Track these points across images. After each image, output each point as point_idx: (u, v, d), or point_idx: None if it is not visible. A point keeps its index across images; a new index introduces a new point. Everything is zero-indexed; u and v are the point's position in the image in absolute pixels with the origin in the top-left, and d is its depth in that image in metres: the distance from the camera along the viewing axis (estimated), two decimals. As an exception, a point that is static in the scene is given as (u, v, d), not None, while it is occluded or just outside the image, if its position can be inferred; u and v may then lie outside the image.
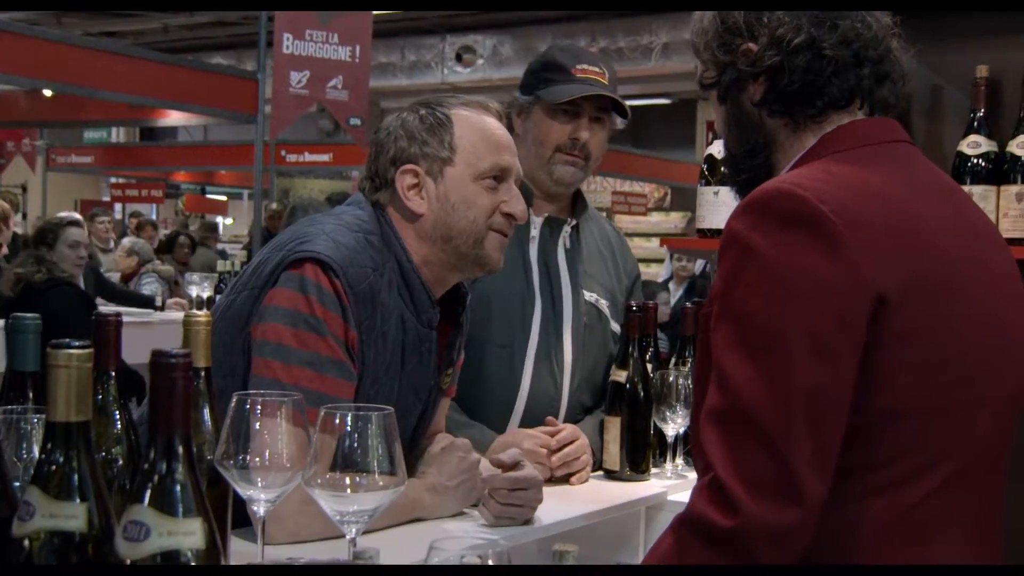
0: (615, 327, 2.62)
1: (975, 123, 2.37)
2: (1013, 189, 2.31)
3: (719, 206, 2.60)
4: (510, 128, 2.58)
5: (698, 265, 9.03)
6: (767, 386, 1.33)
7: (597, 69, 2.51)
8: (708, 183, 2.62)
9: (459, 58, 14.51)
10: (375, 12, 8.00)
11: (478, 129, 1.98)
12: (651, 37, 13.57)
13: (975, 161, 2.35)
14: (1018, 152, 2.31)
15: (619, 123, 2.61)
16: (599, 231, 2.71)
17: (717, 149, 2.65)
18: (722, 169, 2.63)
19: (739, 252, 1.38)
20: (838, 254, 1.33)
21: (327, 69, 7.39)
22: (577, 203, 2.64)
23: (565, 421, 2.50)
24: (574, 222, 2.61)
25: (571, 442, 2.37)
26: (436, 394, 2.10)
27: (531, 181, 2.52)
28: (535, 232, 2.55)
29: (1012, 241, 2.28)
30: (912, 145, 1.56)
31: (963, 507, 1.44)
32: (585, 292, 2.57)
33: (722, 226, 2.57)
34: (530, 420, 2.47)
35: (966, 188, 2.33)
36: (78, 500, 1.03)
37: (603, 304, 2.60)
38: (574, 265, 2.58)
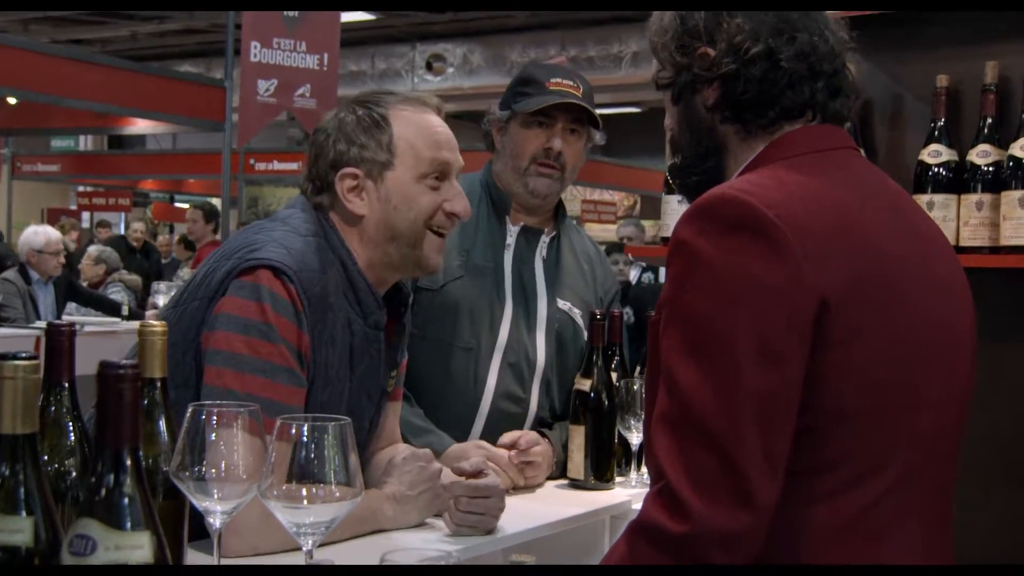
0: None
1: (936, 132, 2.39)
2: (973, 198, 2.32)
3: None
4: (491, 143, 2.61)
5: (633, 274, 9.04)
6: (715, 390, 1.33)
7: (571, 83, 2.54)
8: (672, 192, 2.62)
9: (429, 66, 14.51)
10: (344, 20, 7.98)
11: (417, 127, 1.97)
12: (621, 46, 13.62)
13: (936, 170, 2.36)
14: (978, 161, 2.33)
15: (598, 137, 2.63)
16: (579, 245, 2.72)
17: (673, 164, 2.66)
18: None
19: (686, 258, 1.38)
20: (783, 259, 1.33)
21: (295, 77, 7.36)
22: (557, 217, 2.65)
23: (532, 426, 2.51)
24: (553, 233, 2.61)
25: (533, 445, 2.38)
26: (383, 397, 2.09)
27: (508, 193, 2.57)
28: (511, 240, 2.57)
29: (973, 249, 2.30)
30: (857, 151, 1.58)
31: (913, 509, 1.45)
32: (559, 300, 2.58)
33: (687, 235, 2.60)
34: (495, 422, 2.47)
35: (927, 197, 2.35)
36: (24, 513, 1.01)
37: (576, 313, 2.61)
38: (550, 274, 2.59)
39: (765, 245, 1.34)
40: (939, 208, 2.34)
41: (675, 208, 2.64)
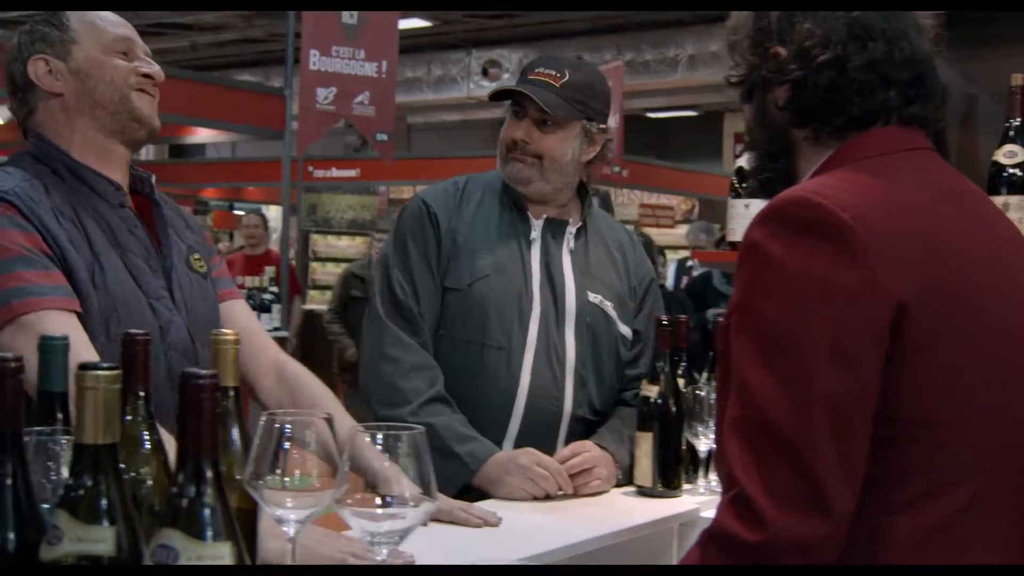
0: (623, 330, 2.61)
1: (1011, 132, 2.34)
2: (1051, 199, 2.27)
3: (750, 219, 2.56)
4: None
5: (670, 278, 8.98)
6: (788, 395, 1.31)
7: (553, 73, 2.52)
8: (739, 195, 2.59)
9: (485, 72, 14.53)
10: (400, 27, 8.01)
11: (90, 14, 2.09)
12: (677, 49, 13.56)
13: (1011, 171, 2.31)
14: (1055, 161, 2.27)
15: (594, 128, 2.56)
16: (610, 236, 2.70)
17: (747, 161, 2.63)
18: (752, 181, 2.60)
19: (757, 261, 1.37)
20: (856, 261, 1.31)
21: (354, 85, 7.40)
22: (584, 208, 2.63)
23: (570, 421, 2.50)
24: (579, 224, 2.60)
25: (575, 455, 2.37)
26: (195, 277, 2.14)
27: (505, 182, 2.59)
28: (535, 235, 2.56)
29: (1050, 252, 2.25)
30: (933, 152, 1.54)
31: (995, 521, 1.41)
32: (589, 293, 2.57)
33: (754, 239, 2.56)
34: (530, 421, 2.46)
35: (1002, 198, 2.30)
36: (106, 523, 1.02)
37: (608, 306, 2.59)
38: (579, 267, 2.58)
39: (838, 247, 1.32)
40: (1015, 210, 2.29)
41: (741, 212, 2.61)
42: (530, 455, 2.34)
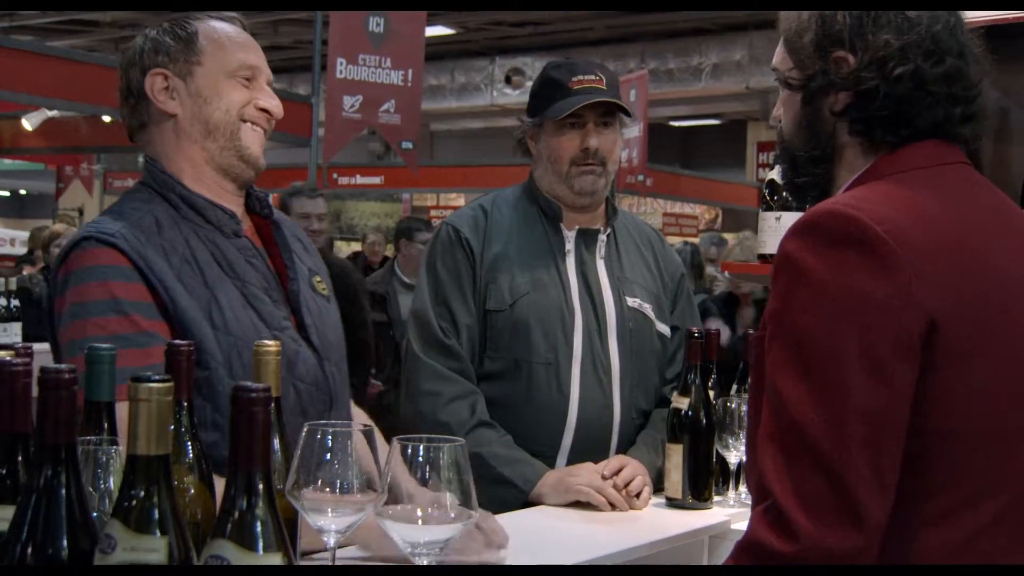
0: (662, 328, 2.62)
1: (1044, 146, 2.34)
2: (1085, 213, 2.26)
3: (780, 232, 2.55)
4: (526, 151, 2.63)
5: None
6: (823, 407, 1.32)
7: (594, 77, 2.54)
8: (769, 208, 2.59)
9: (508, 80, 14.58)
10: (426, 35, 8.04)
11: (222, 31, 2.01)
12: (701, 58, 13.56)
13: (1045, 185, 2.31)
14: (1089, 176, 2.27)
15: (628, 122, 2.62)
16: (637, 234, 2.72)
17: (779, 174, 2.63)
18: (784, 194, 2.61)
19: (792, 273, 1.37)
20: (892, 274, 1.32)
21: (380, 93, 7.43)
22: (608, 211, 2.65)
23: (620, 428, 2.51)
24: (608, 230, 2.62)
25: (620, 469, 2.37)
26: (320, 300, 2.07)
27: (555, 198, 2.58)
28: (570, 246, 2.57)
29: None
30: (969, 166, 1.54)
31: (1012, 550, 1.41)
32: (628, 298, 2.58)
33: (785, 251, 2.57)
34: (583, 433, 2.47)
35: (1035, 212, 2.29)
36: (158, 533, 1.03)
37: (647, 308, 2.60)
38: (614, 273, 2.59)
39: (873, 260, 1.33)
40: (1048, 224, 2.28)
41: (772, 225, 2.62)
42: (591, 472, 2.35)
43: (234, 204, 2.02)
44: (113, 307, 1.79)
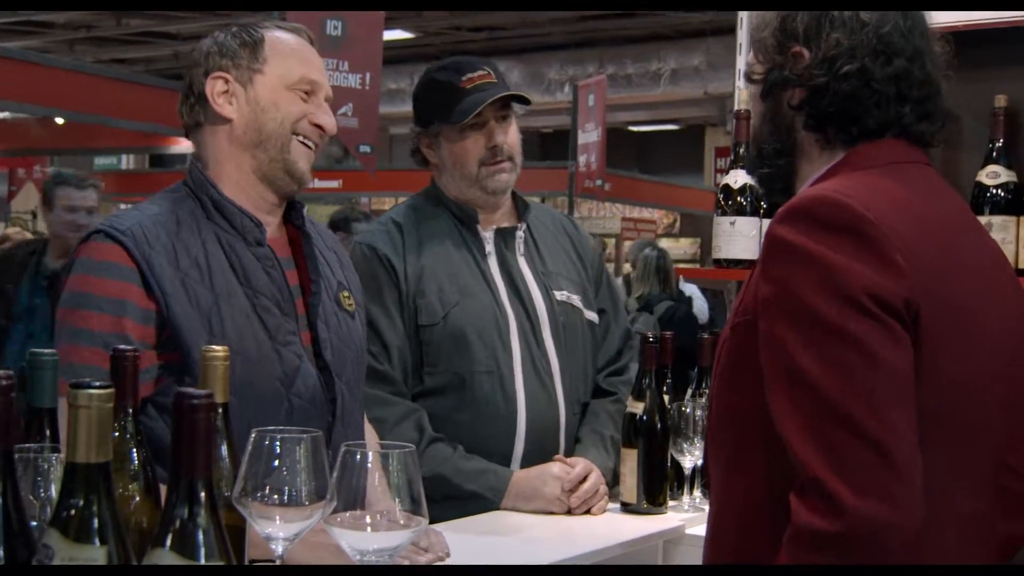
0: (591, 316, 2.62)
1: (994, 153, 2.36)
2: (1033, 219, 2.29)
3: (736, 236, 2.58)
4: (424, 161, 2.59)
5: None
6: (849, 378, 1.34)
7: (483, 72, 2.51)
8: (725, 213, 2.60)
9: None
10: (383, 39, 8.01)
11: (288, 44, 2.02)
12: (659, 64, 13.62)
13: (994, 191, 2.34)
14: (1038, 182, 2.29)
15: (519, 111, 2.58)
16: (552, 224, 2.69)
17: (733, 179, 2.64)
18: (739, 199, 2.62)
19: (788, 256, 1.41)
20: (882, 258, 1.37)
21: (337, 97, 7.31)
22: (518, 206, 2.62)
23: (566, 426, 2.50)
24: (524, 226, 2.59)
25: (585, 478, 2.37)
26: (343, 316, 2.06)
27: (467, 202, 2.54)
28: (490, 247, 2.54)
29: (1033, 271, 2.27)
30: (930, 167, 1.59)
31: (980, 515, 1.46)
32: (555, 292, 2.56)
33: (739, 256, 2.59)
34: (533, 437, 2.45)
35: (985, 218, 2.31)
36: (98, 543, 1.01)
37: (575, 299, 2.59)
38: (537, 268, 2.57)
39: (865, 244, 1.38)
40: (998, 230, 2.31)
41: (727, 230, 2.62)
42: (558, 479, 2.35)
43: (270, 215, 2.02)
44: (104, 304, 1.82)
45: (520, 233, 2.58)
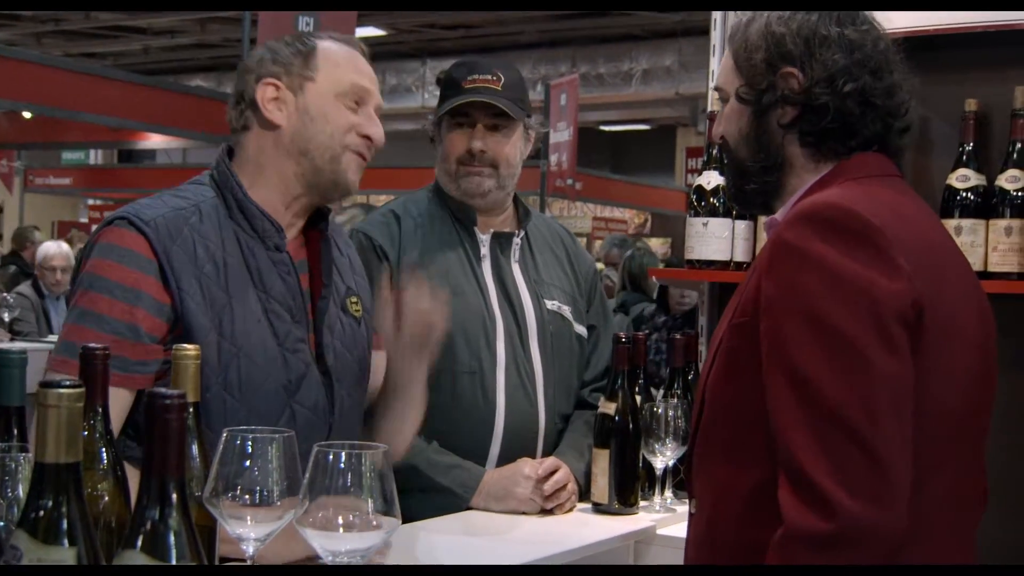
0: (580, 330, 2.61)
1: (964, 157, 2.38)
2: (1002, 223, 2.31)
3: (708, 237, 2.59)
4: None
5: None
6: (849, 382, 1.38)
7: (489, 77, 2.50)
8: (698, 214, 2.61)
9: (439, 82, 14.53)
10: (356, 36, 7.99)
11: (341, 55, 2.02)
12: (631, 64, 13.66)
13: (964, 195, 2.35)
14: (1007, 186, 2.32)
15: (533, 123, 2.58)
16: (550, 235, 2.69)
17: (706, 180, 2.65)
18: (711, 200, 2.63)
19: (799, 260, 1.44)
20: (890, 262, 1.41)
21: (309, 93, 7.36)
22: (520, 212, 2.63)
23: (545, 434, 2.49)
24: (522, 233, 2.60)
25: (555, 471, 2.37)
26: (348, 322, 2.06)
27: (460, 201, 2.54)
28: (485, 250, 2.54)
29: (1001, 275, 2.29)
30: (903, 179, 1.65)
31: (965, 512, 1.54)
32: (546, 301, 2.56)
33: (712, 257, 2.60)
34: (510, 441, 2.45)
35: (955, 221, 2.34)
36: (67, 544, 1.00)
37: (566, 310, 2.59)
38: (531, 276, 2.57)
39: (872, 249, 1.42)
40: (967, 233, 2.33)
41: (699, 231, 2.63)
42: (529, 478, 2.35)
43: (298, 217, 2.02)
44: (115, 290, 1.81)
45: (517, 240, 2.58)
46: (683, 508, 2.27)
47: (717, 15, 2.83)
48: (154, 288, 1.83)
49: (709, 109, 2.73)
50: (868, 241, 1.42)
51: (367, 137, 2.00)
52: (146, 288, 1.82)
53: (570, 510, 2.39)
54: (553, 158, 10.08)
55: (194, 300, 1.84)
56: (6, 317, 6.85)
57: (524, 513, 2.34)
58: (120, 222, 1.87)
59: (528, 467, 2.37)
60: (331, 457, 1.33)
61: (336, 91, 1.98)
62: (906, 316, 1.40)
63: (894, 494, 1.37)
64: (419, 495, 2.26)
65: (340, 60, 2.01)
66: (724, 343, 1.56)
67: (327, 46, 2.02)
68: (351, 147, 1.98)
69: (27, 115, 9.60)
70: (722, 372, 1.56)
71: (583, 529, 2.28)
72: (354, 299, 2.10)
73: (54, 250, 7.55)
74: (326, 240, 2.07)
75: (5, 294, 7.17)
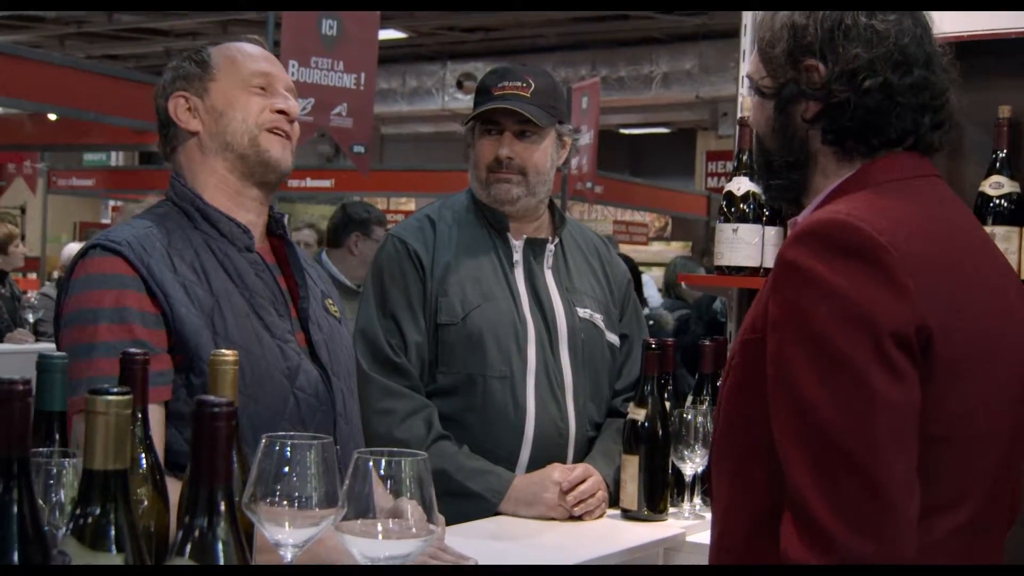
0: (612, 338, 2.62)
1: (997, 163, 2.36)
2: (1036, 230, 2.29)
3: (738, 243, 2.58)
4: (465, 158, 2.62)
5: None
6: (848, 408, 1.34)
7: (519, 84, 2.52)
8: (727, 220, 2.60)
9: (460, 85, 14.54)
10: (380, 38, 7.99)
11: (235, 50, 2.07)
12: (652, 67, 13.63)
13: (997, 201, 2.34)
14: (1041, 193, 2.30)
15: (565, 131, 2.60)
16: (584, 242, 2.70)
17: (736, 186, 2.64)
18: (741, 206, 2.62)
19: (800, 280, 1.40)
20: (895, 284, 1.36)
21: (332, 96, 7.35)
22: (555, 220, 2.63)
23: (575, 441, 2.50)
24: (556, 240, 2.60)
25: (584, 480, 2.37)
26: (332, 321, 2.08)
27: (484, 204, 2.56)
28: (518, 256, 2.55)
29: (1035, 283, 2.27)
30: (941, 179, 1.59)
31: (989, 540, 1.48)
32: (578, 309, 2.56)
33: (742, 263, 2.58)
34: (540, 447, 2.46)
35: (988, 229, 2.32)
36: (114, 551, 1.00)
37: (598, 318, 2.59)
38: (563, 284, 2.57)
39: (878, 269, 1.37)
40: (1001, 240, 2.31)
41: (729, 236, 2.62)
42: (562, 472, 2.36)
43: (256, 218, 2.04)
44: (110, 315, 1.82)
45: (551, 247, 2.59)
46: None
47: (747, 18, 2.81)
48: (138, 301, 1.84)
49: (740, 115, 2.71)
50: (870, 259, 1.37)
51: (282, 112, 2.02)
52: (130, 303, 1.83)
53: (600, 516, 2.39)
54: (573, 161, 10.06)
55: (183, 305, 1.86)
56: (30, 318, 6.89)
57: (553, 519, 2.34)
58: (93, 250, 1.89)
59: (558, 473, 2.37)
60: (371, 464, 1.33)
61: (238, 83, 2.02)
62: (908, 340, 1.35)
63: (896, 526, 1.32)
64: (448, 499, 2.26)
65: (235, 55, 2.05)
66: (736, 358, 1.53)
67: (220, 48, 2.07)
68: (265, 125, 2.01)
69: (53, 117, 9.65)
70: (734, 388, 1.54)
71: (612, 535, 2.28)
72: (330, 300, 2.14)
73: (68, 253, 7.61)
74: (290, 244, 2.11)
75: (28, 295, 7.21)
